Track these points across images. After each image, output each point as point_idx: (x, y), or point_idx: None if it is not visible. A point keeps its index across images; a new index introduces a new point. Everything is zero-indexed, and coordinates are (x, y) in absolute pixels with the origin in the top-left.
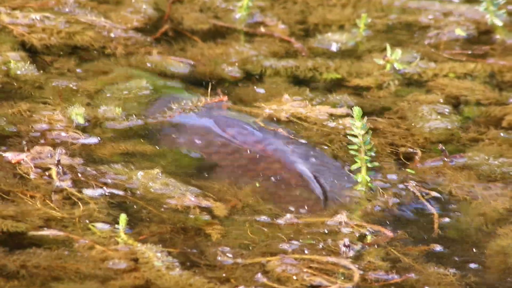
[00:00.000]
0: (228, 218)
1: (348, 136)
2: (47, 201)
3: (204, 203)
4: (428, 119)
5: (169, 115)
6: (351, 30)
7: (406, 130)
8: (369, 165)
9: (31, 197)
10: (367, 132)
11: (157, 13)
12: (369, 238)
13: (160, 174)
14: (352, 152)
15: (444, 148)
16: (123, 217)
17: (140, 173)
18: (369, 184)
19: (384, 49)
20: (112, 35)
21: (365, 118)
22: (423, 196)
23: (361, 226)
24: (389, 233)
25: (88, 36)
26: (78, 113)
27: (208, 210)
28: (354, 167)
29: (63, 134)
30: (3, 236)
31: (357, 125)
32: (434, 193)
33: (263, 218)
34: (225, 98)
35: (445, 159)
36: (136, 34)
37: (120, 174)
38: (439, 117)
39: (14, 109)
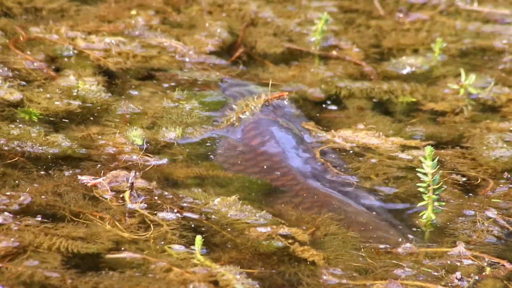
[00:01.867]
0: (316, 243)
1: (418, 174)
2: (118, 223)
3: (284, 230)
4: (494, 147)
5: (234, 116)
6: (425, 54)
7: (472, 160)
8: (436, 204)
9: (102, 218)
10: (437, 172)
11: (231, 36)
12: (487, 270)
13: (237, 200)
14: (420, 190)
15: (510, 176)
16: (198, 239)
17: (217, 199)
18: (430, 222)
19: (459, 74)
20: (187, 59)
21: (436, 158)
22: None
23: (480, 257)
24: (508, 265)
25: (164, 60)
26: (136, 135)
27: (291, 237)
28: (420, 204)
29: (134, 157)
30: (74, 258)
31: (427, 164)
32: None
33: (379, 245)
34: (286, 93)
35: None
36: (210, 58)
37: (197, 198)
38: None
39: (85, 133)
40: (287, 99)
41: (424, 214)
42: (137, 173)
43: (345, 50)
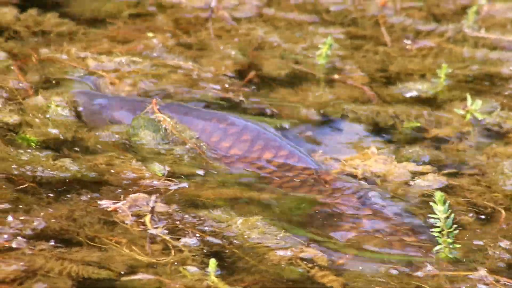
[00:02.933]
0: (341, 269)
1: (431, 219)
2: (137, 247)
3: (306, 253)
4: (509, 175)
5: None
6: (431, 79)
7: (486, 187)
8: (451, 246)
9: (118, 243)
10: (449, 216)
11: (243, 58)
12: None
13: (259, 221)
14: (435, 234)
15: None
16: (212, 262)
17: (239, 220)
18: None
19: (465, 99)
20: (201, 80)
21: (447, 202)
22: None
23: (500, 281)
24: None
25: (175, 80)
26: (156, 170)
27: (310, 260)
28: (436, 249)
29: (155, 182)
30: (86, 282)
31: (439, 209)
32: None
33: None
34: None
35: None
36: (224, 79)
37: (220, 221)
38: None
39: (99, 161)
40: None
41: (442, 254)
42: (157, 197)
43: (349, 74)
